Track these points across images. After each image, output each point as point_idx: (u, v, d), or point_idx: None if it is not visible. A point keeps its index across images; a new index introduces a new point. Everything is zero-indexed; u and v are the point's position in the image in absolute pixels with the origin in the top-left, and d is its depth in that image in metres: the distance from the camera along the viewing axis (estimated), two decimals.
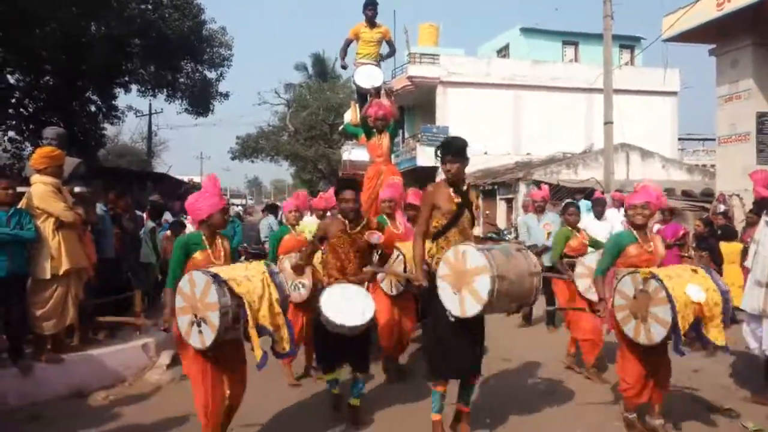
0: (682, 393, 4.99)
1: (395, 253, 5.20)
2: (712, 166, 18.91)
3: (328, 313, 4.04)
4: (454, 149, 3.84)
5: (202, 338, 3.33)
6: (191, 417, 4.44)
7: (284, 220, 5.97)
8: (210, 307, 3.28)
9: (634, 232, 4.11)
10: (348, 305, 4.10)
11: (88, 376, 5.01)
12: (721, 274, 7.40)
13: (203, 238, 3.77)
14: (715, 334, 3.64)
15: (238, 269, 3.57)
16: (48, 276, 4.78)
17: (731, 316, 6.47)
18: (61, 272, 4.81)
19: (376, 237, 4.30)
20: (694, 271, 3.86)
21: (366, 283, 4.59)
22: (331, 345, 4.25)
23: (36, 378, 4.78)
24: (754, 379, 5.11)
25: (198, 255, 3.70)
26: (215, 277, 3.31)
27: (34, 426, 4.34)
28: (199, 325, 3.33)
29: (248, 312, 3.33)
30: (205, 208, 3.76)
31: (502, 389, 5.09)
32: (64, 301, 4.92)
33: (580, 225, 5.77)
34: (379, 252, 4.65)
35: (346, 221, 4.33)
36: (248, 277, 3.45)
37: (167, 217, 8.16)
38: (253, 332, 3.33)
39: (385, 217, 5.60)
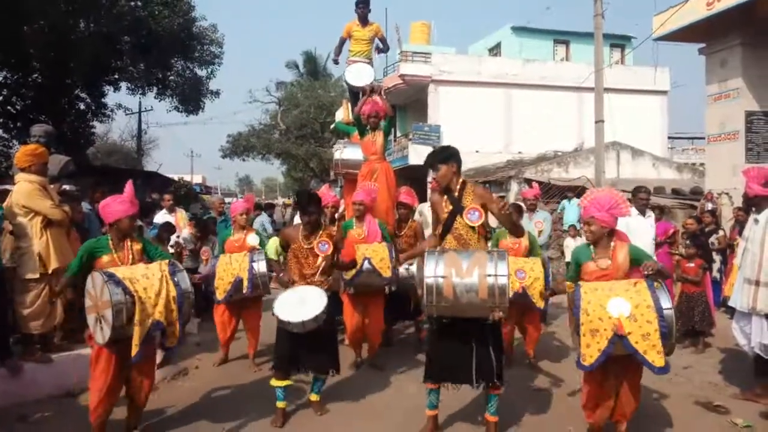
0: (672, 389, 5.03)
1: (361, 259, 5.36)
2: (702, 164, 19.06)
3: (277, 311, 4.20)
4: (430, 160, 4.01)
5: (102, 334, 3.59)
6: (182, 416, 4.46)
7: (232, 222, 6.14)
8: (106, 305, 3.51)
9: (591, 246, 3.83)
10: (298, 305, 4.22)
11: (77, 376, 4.94)
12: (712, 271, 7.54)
13: (110, 241, 3.92)
14: (653, 356, 3.33)
15: (138, 269, 3.78)
16: (36, 275, 4.72)
17: (701, 329, 6.54)
18: (49, 271, 4.75)
19: (324, 247, 4.42)
20: (635, 284, 3.54)
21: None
22: (287, 349, 4.30)
23: (25, 378, 4.72)
24: (743, 376, 5.15)
25: (104, 258, 3.87)
26: (111, 277, 3.56)
27: (23, 426, 4.29)
28: (100, 323, 3.59)
29: (137, 309, 3.55)
30: (115, 212, 3.89)
31: None
32: (52, 301, 4.86)
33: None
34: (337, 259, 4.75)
35: (307, 229, 4.51)
36: (147, 275, 3.70)
37: (158, 218, 8.08)
38: (137, 328, 3.57)
39: (353, 220, 5.71)
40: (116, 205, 3.91)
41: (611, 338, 3.39)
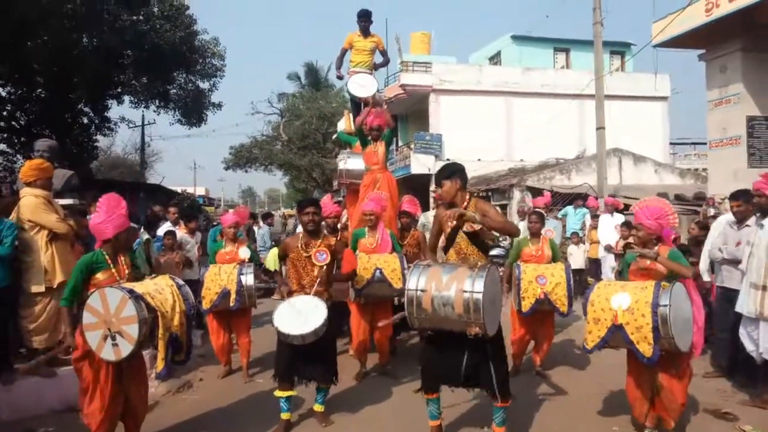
0: None
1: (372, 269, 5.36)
2: (704, 169, 19.03)
3: (277, 323, 4.18)
4: (436, 176, 4.06)
5: (117, 350, 3.49)
6: (187, 429, 4.43)
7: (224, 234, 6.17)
8: (126, 321, 3.45)
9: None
10: (297, 316, 4.20)
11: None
12: None
13: (106, 257, 3.82)
14: (644, 346, 3.68)
15: (147, 284, 3.75)
16: (42, 289, 4.73)
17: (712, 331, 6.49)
18: (55, 285, 4.75)
19: (321, 256, 4.44)
20: (646, 284, 3.86)
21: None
22: (287, 359, 4.29)
23: (29, 392, 4.71)
24: (751, 382, 5.10)
25: (100, 275, 3.76)
26: (131, 293, 3.50)
27: None
28: (113, 339, 3.49)
29: (160, 323, 3.57)
30: (111, 228, 3.81)
31: None
32: (57, 315, 4.86)
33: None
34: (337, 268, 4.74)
35: (306, 238, 4.50)
36: (159, 290, 3.72)
37: (161, 231, 8.07)
38: (161, 343, 3.59)
39: (365, 229, 5.69)
40: (112, 221, 3.81)
41: (610, 327, 3.79)
